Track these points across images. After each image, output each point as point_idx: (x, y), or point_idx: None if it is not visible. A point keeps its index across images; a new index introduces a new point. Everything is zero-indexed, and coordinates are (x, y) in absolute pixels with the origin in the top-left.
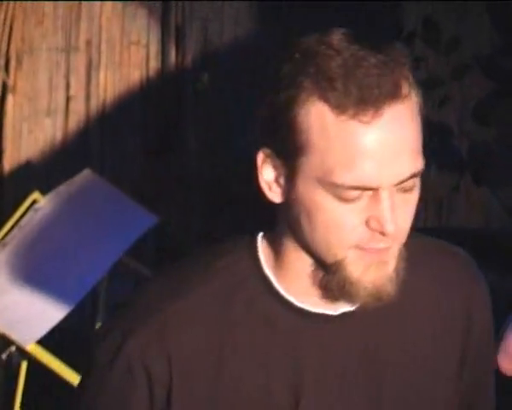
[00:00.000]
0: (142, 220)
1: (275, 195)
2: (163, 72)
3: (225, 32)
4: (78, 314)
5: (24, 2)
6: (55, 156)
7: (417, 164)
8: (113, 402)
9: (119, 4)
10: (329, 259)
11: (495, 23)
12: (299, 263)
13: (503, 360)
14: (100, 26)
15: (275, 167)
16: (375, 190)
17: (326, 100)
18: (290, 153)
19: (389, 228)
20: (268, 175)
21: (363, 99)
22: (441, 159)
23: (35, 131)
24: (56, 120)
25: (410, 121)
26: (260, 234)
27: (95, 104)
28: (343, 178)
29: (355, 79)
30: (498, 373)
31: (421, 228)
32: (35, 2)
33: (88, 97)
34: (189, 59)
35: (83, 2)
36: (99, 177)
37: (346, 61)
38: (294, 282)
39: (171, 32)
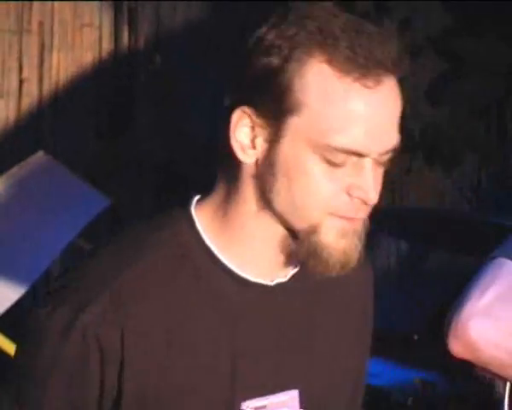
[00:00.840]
0: (95, 202)
1: (247, 156)
2: (116, 54)
3: (178, 12)
4: (31, 296)
5: None
6: (8, 138)
7: (398, 138)
8: (66, 374)
9: None
10: (303, 224)
11: (446, 3)
12: (258, 231)
13: (454, 344)
14: (52, 8)
15: (252, 128)
16: (362, 156)
17: (329, 61)
18: (278, 112)
19: (372, 196)
20: (242, 135)
21: (368, 63)
22: None
23: None
24: (9, 103)
25: (399, 96)
26: (193, 204)
27: (47, 86)
28: (337, 140)
29: (361, 42)
30: (451, 357)
31: (374, 209)
32: None
33: (40, 80)
34: (141, 40)
35: None
36: (52, 159)
37: (347, 25)
38: (239, 251)
39: (123, 13)
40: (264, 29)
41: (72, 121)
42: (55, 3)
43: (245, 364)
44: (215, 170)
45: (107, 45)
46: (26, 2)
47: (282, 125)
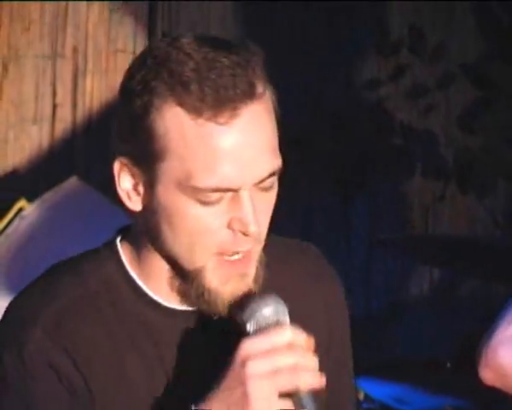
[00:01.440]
0: None
1: (134, 203)
2: None
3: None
4: None
5: (10, 9)
6: (42, 164)
7: (276, 162)
8: (37, 402)
9: (106, 11)
10: (189, 266)
11: (481, 31)
12: (158, 269)
13: (484, 372)
14: (86, 33)
15: (132, 176)
16: (235, 191)
17: (181, 104)
18: (148, 159)
19: (252, 228)
20: (125, 184)
21: (218, 100)
22: (427, 166)
23: (21, 139)
24: (43, 128)
25: (266, 120)
26: (118, 239)
27: (81, 112)
28: (203, 181)
29: (209, 81)
30: (483, 385)
31: (408, 235)
32: (21, 8)
33: (74, 105)
34: None
35: (69, 8)
36: (85, 184)
37: (199, 64)
38: (157, 283)
39: (157, 37)
40: (127, 74)
41: (105, 146)
42: (89, 28)
43: (178, 384)
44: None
45: None
46: (59, 27)
47: (153, 172)
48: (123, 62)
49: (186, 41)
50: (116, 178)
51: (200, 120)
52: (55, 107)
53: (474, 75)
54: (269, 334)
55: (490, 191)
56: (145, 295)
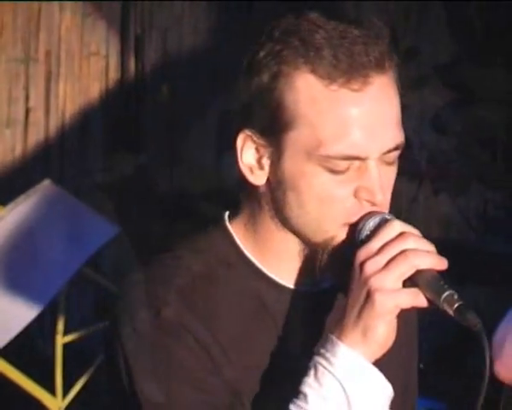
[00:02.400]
0: (103, 231)
1: (257, 177)
2: (123, 83)
3: (185, 41)
4: (36, 324)
5: None
6: (15, 168)
7: (401, 136)
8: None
9: (78, 15)
10: (319, 237)
11: (453, 32)
12: (283, 245)
13: (500, 369)
14: (59, 37)
15: (257, 149)
16: (363, 159)
17: (314, 70)
18: (276, 130)
19: (379, 197)
20: (249, 158)
21: (352, 67)
22: (400, 169)
23: None
24: (16, 132)
25: (394, 93)
26: (226, 219)
27: (54, 116)
28: (334, 148)
29: (342, 48)
30: (497, 381)
31: None
32: None
33: (47, 109)
34: (148, 69)
35: (42, 12)
36: (58, 187)
37: (330, 32)
38: (273, 262)
39: (130, 42)
40: (253, 49)
41: (78, 151)
42: (62, 32)
43: (287, 364)
44: (225, 199)
45: (114, 74)
46: (32, 31)
47: (281, 142)
48: (96, 66)
49: (314, 15)
50: (238, 153)
51: (333, 86)
52: (28, 111)
53: (447, 77)
54: (378, 233)
55: (463, 193)
56: (261, 273)
